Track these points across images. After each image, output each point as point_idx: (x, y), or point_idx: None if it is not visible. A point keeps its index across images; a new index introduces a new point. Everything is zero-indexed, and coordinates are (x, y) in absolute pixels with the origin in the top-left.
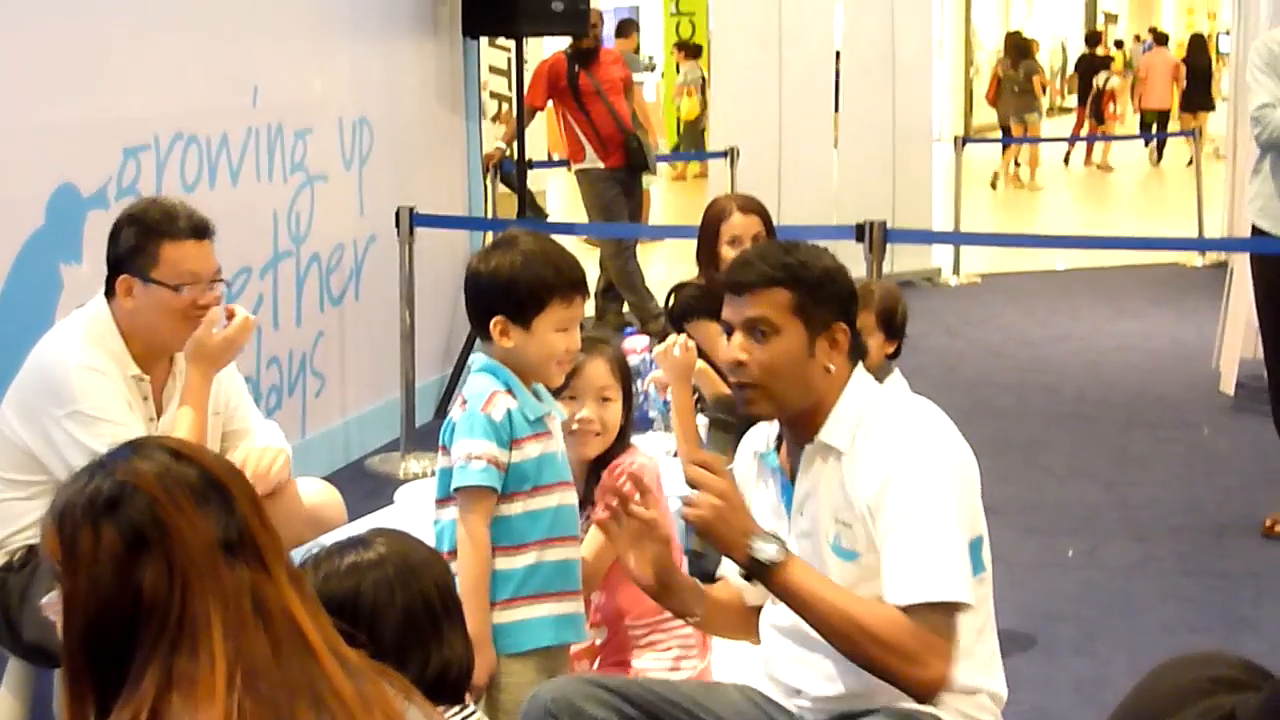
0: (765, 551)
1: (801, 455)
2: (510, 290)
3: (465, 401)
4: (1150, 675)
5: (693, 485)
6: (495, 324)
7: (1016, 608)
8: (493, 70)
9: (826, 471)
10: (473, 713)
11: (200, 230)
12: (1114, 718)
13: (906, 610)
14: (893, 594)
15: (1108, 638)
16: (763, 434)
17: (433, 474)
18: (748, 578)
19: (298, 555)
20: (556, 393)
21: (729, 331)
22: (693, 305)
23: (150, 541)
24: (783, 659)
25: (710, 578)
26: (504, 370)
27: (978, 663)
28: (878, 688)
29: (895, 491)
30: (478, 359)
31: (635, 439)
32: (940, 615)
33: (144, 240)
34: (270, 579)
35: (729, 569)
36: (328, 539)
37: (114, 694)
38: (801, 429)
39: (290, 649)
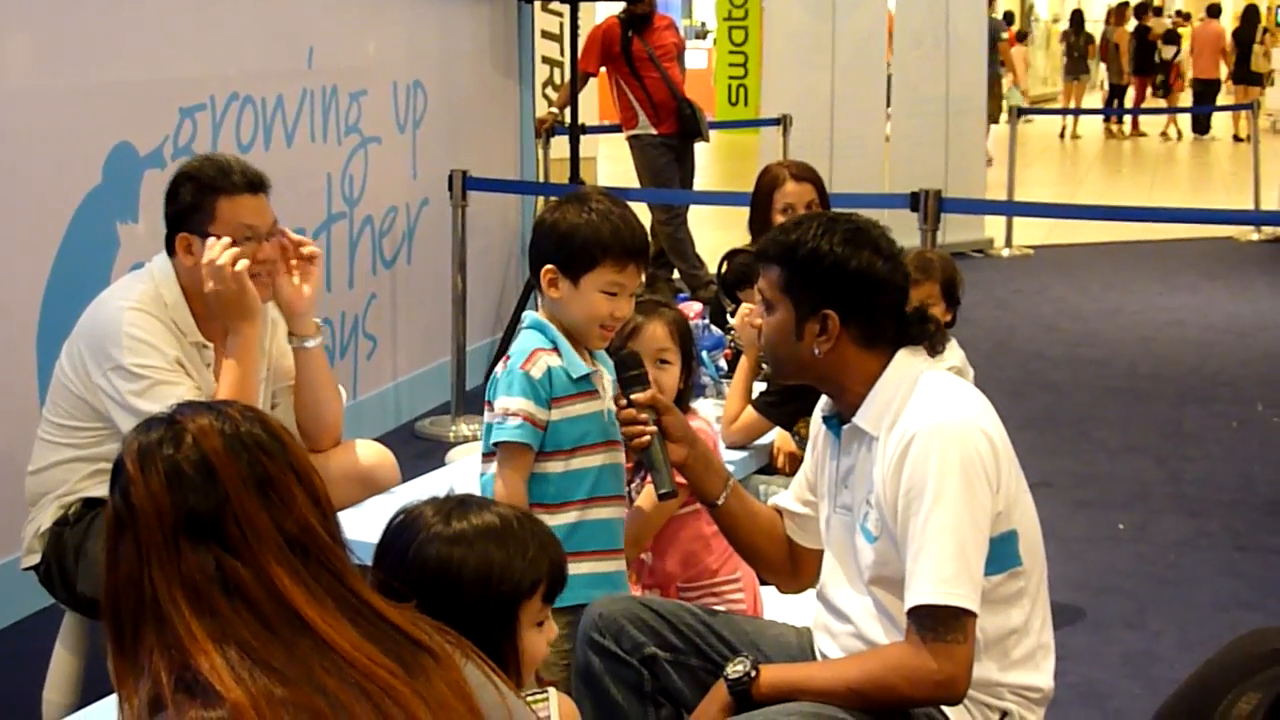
0: (735, 670)
1: (843, 432)
2: (566, 241)
3: (509, 357)
4: (1224, 646)
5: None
6: (546, 272)
7: (1067, 581)
8: (545, 35)
9: (863, 452)
10: (544, 695)
11: (256, 184)
12: (1184, 685)
13: (913, 613)
14: (906, 598)
15: (1158, 612)
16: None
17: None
18: (738, 695)
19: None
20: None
21: None
22: (745, 273)
23: (124, 521)
24: (823, 632)
25: None
26: (551, 328)
27: (1008, 660)
28: None
29: (906, 490)
30: (528, 316)
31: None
32: (947, 618)
33: (200, 197)
34: (247, 560)
35: (783, 499)
36: (380, 500)
37: (132, 662)
38: (840, 406)
39: (286, 628)
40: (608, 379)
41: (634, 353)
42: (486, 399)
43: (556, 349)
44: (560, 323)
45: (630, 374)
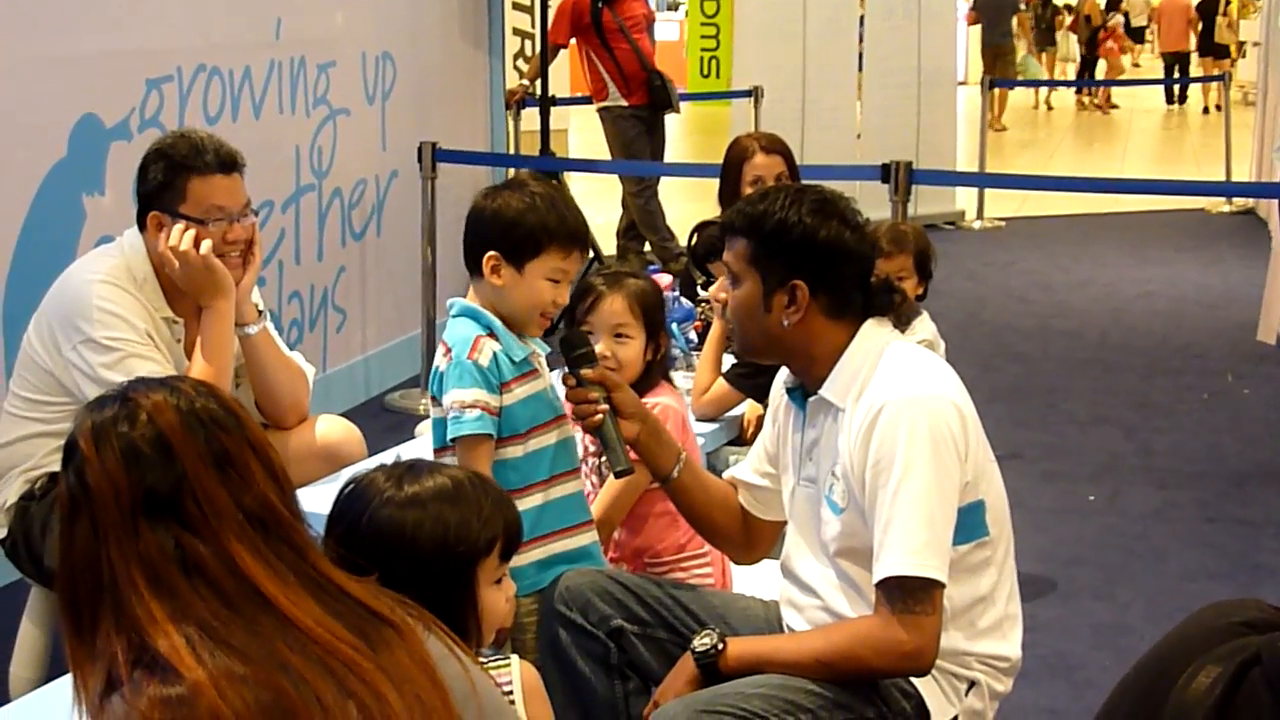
0: (703, 643)
1: (808, 404)
2: (512, 228)
3: (450, 349)
4: (1184, 619)
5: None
6: (489, 259)
7: (1037, 553)
8: (516, 6)
9: (829, 424)
10: (506, 661)
11: (228, 164)
12: (1144, 659)
13: (882, 585)
14: (875, 570)
15: (1127, 583)
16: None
17: None
18: (705, 668)
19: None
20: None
21: None
22: (715, 245)
23: (79, 502)
24: (788, 606)
25: None
26: (485, 314)
27: (975, 630)
28: None
29: (874, 462)
30: (456, 303)
31: None
32: (916, 589)
33: (171, 175)
34: (206, 538)
35: (740, 470)
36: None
37: (89, 645)
38: (806, 379)
39: (247, 606)
40: (542, 355)
41: (579, 331)
42: (431, 394)
43: (493, 334)
44: (496, 309)
45: (578, 353)
